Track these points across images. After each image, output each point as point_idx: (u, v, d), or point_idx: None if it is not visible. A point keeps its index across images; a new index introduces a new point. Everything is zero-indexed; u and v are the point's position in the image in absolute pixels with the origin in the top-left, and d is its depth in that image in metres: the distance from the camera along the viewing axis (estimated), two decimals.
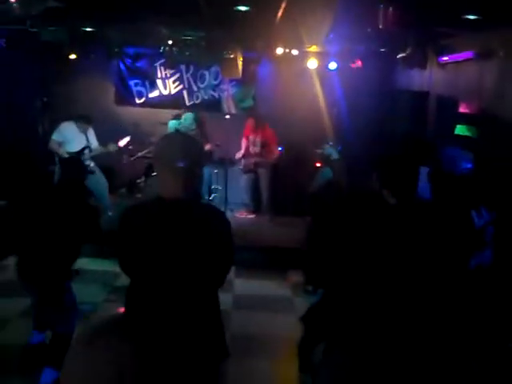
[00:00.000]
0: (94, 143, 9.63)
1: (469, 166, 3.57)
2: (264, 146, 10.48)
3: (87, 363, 2.56)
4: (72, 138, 9.37)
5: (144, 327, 2.94)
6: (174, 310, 2.93)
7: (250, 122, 10.51)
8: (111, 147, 9.61)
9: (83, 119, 9.43)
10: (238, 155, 10.59)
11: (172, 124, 10.54)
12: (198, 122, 10.54)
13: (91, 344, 2.73)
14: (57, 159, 9.32)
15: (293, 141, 10.98)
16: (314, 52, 10.64)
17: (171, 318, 2.93)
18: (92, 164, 9.50)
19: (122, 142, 9.82)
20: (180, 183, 2.98)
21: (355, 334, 3.43)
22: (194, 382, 3.01)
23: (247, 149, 10.63)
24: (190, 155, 3.00)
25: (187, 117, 10.37)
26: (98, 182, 9.63)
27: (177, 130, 9.90)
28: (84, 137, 9.44)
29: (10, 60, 10.97)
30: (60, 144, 9.31)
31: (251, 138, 10.57)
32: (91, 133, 9.60)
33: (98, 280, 7.86)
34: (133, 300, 3.06)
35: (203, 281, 2.95)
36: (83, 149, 9.37)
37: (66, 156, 9.23)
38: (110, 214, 9.52)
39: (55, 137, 9.34)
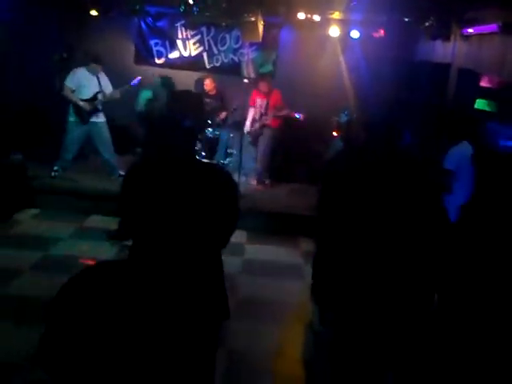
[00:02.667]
0: (108, 88, 9.61)
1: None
2: (271, 108, 10.40)
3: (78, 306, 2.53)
4: (84, 83, 9.39)
5: (145, 282, 2.96)
6: (175, 268, 2.93)
7: (262, 86, 10.41)
8: (126, 87, 9.61)
9: (92, 59, 9.41)
10: (247, 128, 10.52)
11: (144, 95, 10.49)
12: (170, 86, 10.42)
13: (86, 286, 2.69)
14: (70, 107, 9.38)
15: (312, 108, 10.88)
16: (336, 19, 10.51)
17: (172, 275, 2.94)
18: (102, 115, 9.51)
19: (134, 82, 9.82)
20: (185, 142, 2.98)
21: (346, 293, 3.48)
22: (193, 341, 3.03)
23: (254, 117, 10.58)
24: (194, 115, 3.01)
25: (155, 83, 10.29)
26: (102, 135, 9.61)
27: (149, 100, 9.88)
28: (96, 82, 9.43)
29: (31, 12, 10.94)
30: (73, 91, 9.34)
31: (259, 100, 10.47)
32: (104, 78, 9.58)
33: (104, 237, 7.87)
34: (136, 257, 3.07)
35: (206, 239, 2.95)
36: (96, 94, 9.41)
37: (80, 103, 9.28)
38: (120, 172, 9.48)
39: (68, 83, 9.36)
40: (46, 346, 2.31)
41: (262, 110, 10.43)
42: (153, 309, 2.84)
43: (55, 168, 9.45)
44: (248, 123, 10.48)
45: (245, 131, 10.30)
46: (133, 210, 3.00)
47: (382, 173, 3.82)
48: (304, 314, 6.21)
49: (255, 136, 10.54)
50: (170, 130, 3.00)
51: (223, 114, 10.70)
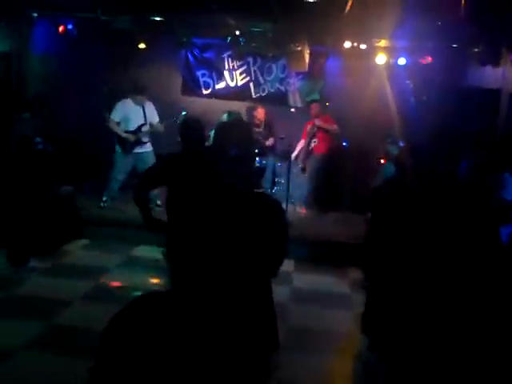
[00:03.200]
0: (155, 119, 9.65)
1: None
2: (320, 130, 10.46)
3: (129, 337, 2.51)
4: (129, 115, 9.47)
5: (194, 314, 2.92)
6: (225, 299, 2.90)
7: (312, 108, 10.51)
8: (171, 120, 9.67)
9: (136, 90, 9.46)
10: (293, 155, 10.56)
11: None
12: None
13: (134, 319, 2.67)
14: (115, 138, 9.50)
15: (359, 136, 10.85)
16: (382, 47, 10.48)
17: (222, 306, 2.90)
18: (148, 144, 9.60)
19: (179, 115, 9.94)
20: (233, 171, 2.96)
21: (398, 330, 3.41)
22: (243, 372, 2.98)
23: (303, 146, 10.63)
24: (243, 144, 2.98)
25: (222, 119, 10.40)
26: (147, 165, 9.53)
27: None
28: (141, 113, 9.49)
29: (80, 47, 11.23)
30: (118, 123, 9.45)
31: (309, 127, 10.51)
32: (150, 108, 9.63)
33: (154, 268, 7.84)
34: (184, 288, 3.05)
35: (256, 269, 2.92)
36: (140, 126, 9.47)
37: (124, 135, 9.39)
38: (158, 202, 9.52)
39: (113, 116, 9.47)
40: (95, 380, 2.30)
41: (310, 133, 10.47)
42: (203, 340, 2.81)
43: (104, 198, 9.56)
44: (296, 151, 10.53)
45: (292, 157, 10.33)
46: (180, 237, 2.99)
47: (429, 200, 3.77)
48: (353, 343, 6.11)
49: (303, 162, 10.57)
50: (218, 159, 2.99)
51: (270, 140, 10.72)
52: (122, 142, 9.45)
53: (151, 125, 9.55)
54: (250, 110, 11.48)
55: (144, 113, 9.51)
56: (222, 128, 3.11)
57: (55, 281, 7.24)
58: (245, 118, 11.37)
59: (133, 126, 9.46)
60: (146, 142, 9.55)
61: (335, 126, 10.31)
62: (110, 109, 9.74)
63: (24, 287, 6.98)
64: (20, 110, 9.02)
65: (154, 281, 7.51)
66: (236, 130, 3.11)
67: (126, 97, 9.60)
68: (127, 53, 11.33)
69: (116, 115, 9.47)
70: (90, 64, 11.46)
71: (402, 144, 8.07)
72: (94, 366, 2.22)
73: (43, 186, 7.66)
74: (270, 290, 3.08)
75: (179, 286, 3.03)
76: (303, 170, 10.65)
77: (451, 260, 3.48)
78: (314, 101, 11.17)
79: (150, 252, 8.47)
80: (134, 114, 9.48)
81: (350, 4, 7.15)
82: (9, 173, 7.65)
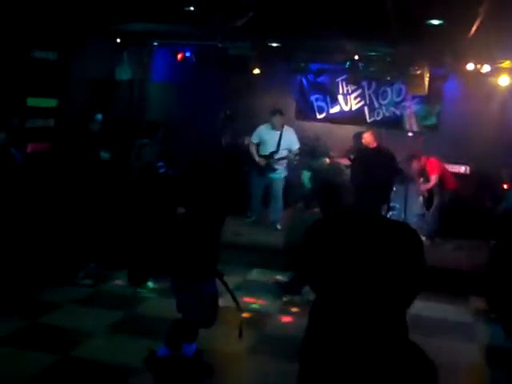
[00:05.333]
0: (294, 146, 9.96)
1: None
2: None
3: None
4: (265, 140, 9.95)
5: (329, 347, 2.88)
6: (360, 329, 2.83)
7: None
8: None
9: (271, 112, 9.96)
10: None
11: (305, 175, 10.69)
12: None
13: None
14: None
15: (480, 161, 10.50)
16: (506, 68, 10.09)
17: (358, 337, 2.83)
18: (281, 169, 10.00)
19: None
20: (372, 200, 2.92)
21: None
22: None
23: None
24: (381, 174, 2.94)
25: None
26: (274, 190, 10.08)
27: (311, 179, 10.14)
28: (276, 140, 9.87)
29: (197, 73, 11.58)
30: (257, 145, 9.97)
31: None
32: (289, 134, 10.00)
33: (268, 291, 7.99)
34: (317, 316, 3.01)
35: (392, 300, 2.84)
36: (272, 153, 9.86)
37: (255, 158, 9.89)
38: (278, 227, 9.69)
39: (253, 139, 10.05)
40: None
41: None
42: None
43: (248, 214, 10.33)
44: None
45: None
46: (316, 267, 2.96)
47: None
48: (477, 377, 5.84)
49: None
50: (359, 187, 2.96)
51: None
52: (255, 164, 9.95)
53: (290, 151, 9.88)
54: (357, 137, 11.28)
55: (279, 140, 9.86)
56: (364, 155, 3.07)
57: (172, 301, 7.33)
58: (353, 143, 11.29)
59: (266, 151, 9.90)
60: (276, 169, 9.81)
61: None
62: (226, 135, 10.07)
63: (144, 306, 7.28)
64: (140, 136, 9.32)
65: (269, 304, 7.58)
66: (379, 158, 3.07)
67: (244, 122, 10.30)
68: (242, 78, 11.51)
69: (255, 138, 10.02)
70: (206, 89, 11.72)
71: None
72: None
73: (164, 208, 7.83)
74: (404, 321, 2.98)
75: (317, 313, 2.99)
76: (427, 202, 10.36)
77: None
78: (427, 127, 10.93)
79: (264, 275, 8.55)
80: (269, 140, 9.92)
81: (476, 26, 6.93)
82: (131, 195, 7.88)
